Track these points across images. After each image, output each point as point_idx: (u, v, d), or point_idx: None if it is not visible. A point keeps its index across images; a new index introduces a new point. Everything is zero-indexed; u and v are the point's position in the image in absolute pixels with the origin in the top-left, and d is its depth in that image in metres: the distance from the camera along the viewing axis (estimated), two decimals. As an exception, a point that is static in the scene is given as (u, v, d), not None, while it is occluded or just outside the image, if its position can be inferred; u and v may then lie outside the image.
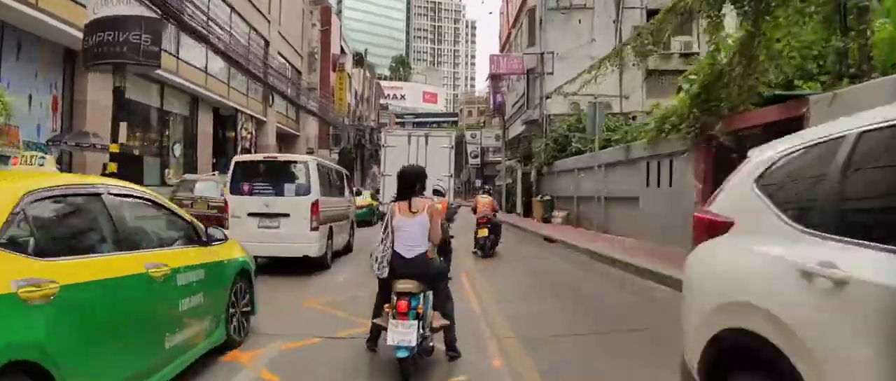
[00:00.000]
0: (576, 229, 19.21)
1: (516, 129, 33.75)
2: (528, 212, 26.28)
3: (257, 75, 28.76)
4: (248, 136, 31.68)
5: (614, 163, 14.92)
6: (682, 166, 11.07)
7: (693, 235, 3.08)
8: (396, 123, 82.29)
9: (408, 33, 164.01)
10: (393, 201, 5.04)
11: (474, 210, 13.05)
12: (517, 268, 11.29)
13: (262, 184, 10.48)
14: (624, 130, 18.48)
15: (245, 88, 30.26)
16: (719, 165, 10.47)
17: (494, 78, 50.11)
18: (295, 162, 11.01)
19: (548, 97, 24.29)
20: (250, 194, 10.39)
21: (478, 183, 52.76)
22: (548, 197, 23.21)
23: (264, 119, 33.61)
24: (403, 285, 4.51)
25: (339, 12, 60.59)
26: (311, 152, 41.93)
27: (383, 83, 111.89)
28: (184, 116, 25.84)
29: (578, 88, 17.32)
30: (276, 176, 10.56)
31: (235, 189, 10.51)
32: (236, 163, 10.83)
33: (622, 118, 22.21)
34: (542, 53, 27.14)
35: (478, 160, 60.36)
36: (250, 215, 10.15)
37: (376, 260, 4.73)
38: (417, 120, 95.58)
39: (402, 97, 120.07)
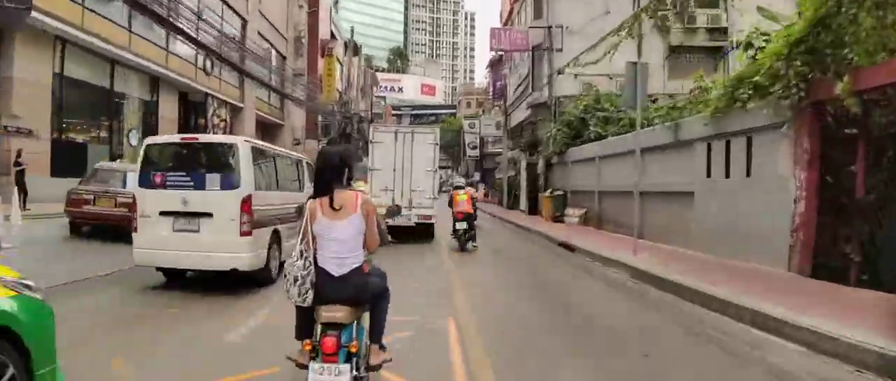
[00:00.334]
0: (598, 231, 16.00)
1: (520, 115, 30.32)
2: (534, 209, 23.03)
3: (229, 58, 25.48)
4: (222, 123, 28.48)
5: (655, 147, 11.66)
6: (769, 147, 7.78)
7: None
8: (393, 115, 79.04)
9: (406, 25, 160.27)
10: (310, 198, 3.63)
11: (451, 204, 13.37)
12: (523, 296, 7.66)
13: (178, 174, 7.44)
14: (654, 111, 15.27)
15: (219, 71, 27.04)
16: (825, 143, 7.27)
17: (494, 65, 46.98)
18: (221, 145, 7.95)
19: (559, 73, 20.99)
20: (163, 186, 7.45)
21: (477, 176, 49.40)
22: (559, 192, 19.99)
23: (241, 105, 30.41)
24: (329, 313, 3.43)
25: (335, 2, 56.55)
26: (297, 143, 38.63)
27: (381, 75, 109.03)
28: (142, 100, 22.63)
29: (601, 57, 14.14)
30: (197, 164, 7.59)
31: (145, 180, 7.59)
32: (148, 146, 7.78)
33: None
34: (549, 27, 23.90)
35: (476, 152, 55.75)
36: (163, 213, 7.37)
37: (294, 282, 3.43)
38: (415, 112, 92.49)
39: (400, 90, 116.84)
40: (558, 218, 18.86)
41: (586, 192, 17.43)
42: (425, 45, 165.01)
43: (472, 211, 13.02)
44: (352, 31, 55.87)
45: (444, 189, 26.44)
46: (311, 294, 3.42)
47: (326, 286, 3.45)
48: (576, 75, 21.21)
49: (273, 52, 34.63)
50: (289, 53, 37.72)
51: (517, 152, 29.54)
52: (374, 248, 3.69)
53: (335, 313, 3.39)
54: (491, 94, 48.76)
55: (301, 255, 3.47)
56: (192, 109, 26.73)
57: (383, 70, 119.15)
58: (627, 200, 12.32)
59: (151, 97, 23.11)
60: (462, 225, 12.87)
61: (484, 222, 20.45)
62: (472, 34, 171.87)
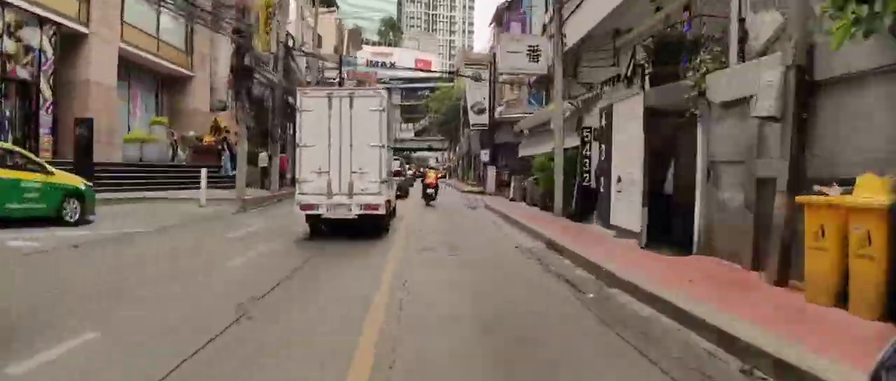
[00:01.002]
0: None
1: (592, 16, 14.77)
2: (661, 229, 9.22)
3: None
4: (28, 60, 15.79)
5: None
6: None
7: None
8: (381, 88, 65.73)
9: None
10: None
11: (423, 177, 24.71)
12: None
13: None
14: None
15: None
16: None
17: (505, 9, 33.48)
18: None
19: None
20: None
21: (484, 157, 34.57)
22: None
23: (85, 31, 17.66)
24: None
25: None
26: (222, 108, 25.96)
27: (370, 48, 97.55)
28: None
29: None
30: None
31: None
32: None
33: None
34: None
35: (484, 117, 36.33)
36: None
37: None
38: (407, 85, 79.98)
39: (392, 65, 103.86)
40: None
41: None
42: (420, 18, 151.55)
43: (436, 184, 21.64)
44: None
45: (435, 181, 23.67)
46: None
47: None
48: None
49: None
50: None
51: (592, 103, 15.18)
52: None
53: None
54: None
55: None
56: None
57: (374, 43, 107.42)
58: None
59: None
60: (430, 191, 21.06)
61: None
62: (472, 7, 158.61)
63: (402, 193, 25.34)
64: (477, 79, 36.04)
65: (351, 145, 11.22)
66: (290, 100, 24.31)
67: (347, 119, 11.28)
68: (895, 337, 1.36)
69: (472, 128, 40.20)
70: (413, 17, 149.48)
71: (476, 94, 37.96)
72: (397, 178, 23.56)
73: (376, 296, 6.14)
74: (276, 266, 8.11)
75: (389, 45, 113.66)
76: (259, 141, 23.75)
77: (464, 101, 45.64)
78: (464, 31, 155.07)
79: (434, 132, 74.59)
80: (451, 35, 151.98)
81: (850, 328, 4.48)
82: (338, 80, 37.49)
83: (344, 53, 50.20)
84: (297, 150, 11.88)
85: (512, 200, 22.68)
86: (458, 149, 58.82)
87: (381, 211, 11.48)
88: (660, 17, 11.78)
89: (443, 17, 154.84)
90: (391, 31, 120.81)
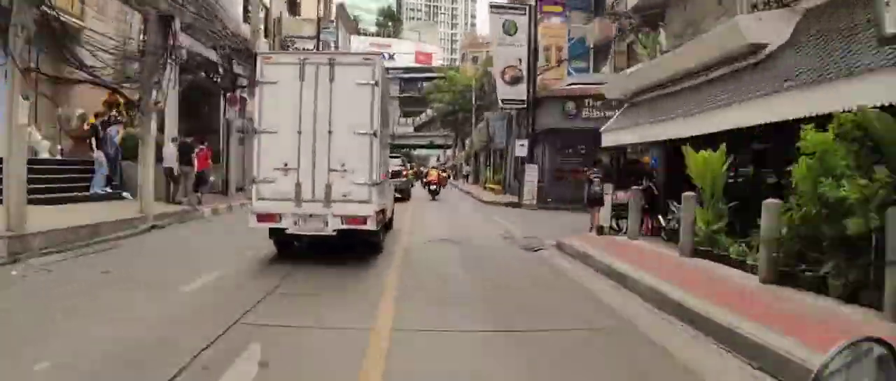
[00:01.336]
0: None
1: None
2: None
3: None
4: None
5: None
6: None
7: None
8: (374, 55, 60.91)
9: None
10: None
11: (425, 176, 29.38)
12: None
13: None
14: None
15: None
16: None
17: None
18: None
19: None
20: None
21: (521, 149, 23.64)
22: None
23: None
24: None
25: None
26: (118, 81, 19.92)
27: (368, 39, 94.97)
28: None
29: None
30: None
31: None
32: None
33: None
34: None
35: (520, 90, 24.46)
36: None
37: None
38: (407, 75, 76.18)
39: (391, 56, 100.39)
40: None
41: None
42: (421, 10, 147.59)
43: (438, 181, 25.81)
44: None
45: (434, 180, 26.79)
46: None
47: None
48: None
49: None
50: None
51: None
52: None
53: None
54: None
55: None
56: None
57: (372, 34, 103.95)
58: None
59: None
60: (434, 187, 25.21)
61: None
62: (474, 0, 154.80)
63: (403, 195, 21.67)
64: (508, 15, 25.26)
65: (330, 132, 8.35)
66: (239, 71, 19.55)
67: (326, 95, 8.37)
68: (839, 343, 1.24)
69: (502, 106, 27.63)
70: (414, 10, 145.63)
71: (508, 54, 25.42)
72: (397, 179, 19.00)
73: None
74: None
75: (388, 36, 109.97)
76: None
77: (477, 86, 40.65)
78: (466, 24, 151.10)
79: (436, 127, 69.69)
80: (452, 28, 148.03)
81: None
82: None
83: (336, 40, 45.38)
84: (255, 139, 8.73)
85: (611, 231, 12.54)
86: (467, 143, 51.96)
87: (371, 225, 8.40)
88: None
89: (444, 10, 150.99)
90: (390, 21, 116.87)
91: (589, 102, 22.77)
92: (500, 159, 35.91)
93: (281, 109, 8.39)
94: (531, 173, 22.32)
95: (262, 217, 8.37)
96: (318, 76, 8.36)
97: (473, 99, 43.15)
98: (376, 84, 8.39)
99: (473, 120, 44.09)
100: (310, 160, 8.29)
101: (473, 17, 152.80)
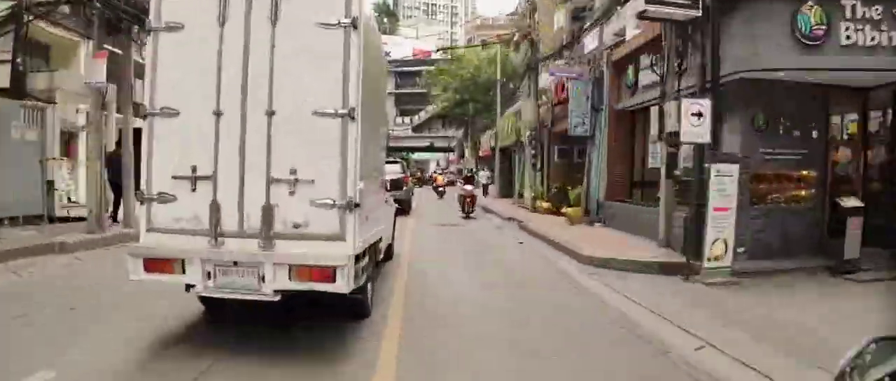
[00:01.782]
0: None
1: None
2: None
3: None
4: None
5: None
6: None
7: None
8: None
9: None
10: None
11: (433, 181, 34.11)
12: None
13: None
14: None
15: None
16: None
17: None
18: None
19: None
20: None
21: (690, 129, 8.43)
22: None
23: None
24: None
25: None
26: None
27: None
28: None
29: None
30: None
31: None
32: None
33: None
34: None
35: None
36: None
37: None
38: (405, 69, 71.77)
39: (387, 54, 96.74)
40: None
41: None
42: (419, 8, 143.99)
43: (444, 185, 30.92)
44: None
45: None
46: None
47: None
48: None
49: None
50: None
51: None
52: None
53: None
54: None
55: None
56: None
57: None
58: None
59: None
60: (441, 189, 29.93)
61: None
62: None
63: (402, 206, 16.19)
64: None
65: (271, 113, 4.71)
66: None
67: (265, 47, 4.72)
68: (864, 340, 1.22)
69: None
70: (411, 8, 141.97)
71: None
72: (395, 191, 13.94)
73: None
74: None
75: (384, 32, 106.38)
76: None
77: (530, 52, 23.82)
78: (467, 23, 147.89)
79: (436, 127, 64.51)
80: (451, 26, 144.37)
81: None
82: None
83: None
84: (145, 123, 5.00)
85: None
86: (484, 140, 41.47)
87: (343, 283, 4.56)
88: None
89: (443, 7, 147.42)
90: (386, 17, 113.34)
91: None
92: (578, 157, 19.61)
93: (187, 74, 4.79)
94: (730, 185, 8.29)
95: (152, 264, 4.69)
96: (251, 14, 4.67)
97: (499, 63, 32.11)
98: (353, 26, 4.65)
99: (498, 97, 31.60)
100: (236, 163, 4.69)
101: (474, 13, 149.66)
